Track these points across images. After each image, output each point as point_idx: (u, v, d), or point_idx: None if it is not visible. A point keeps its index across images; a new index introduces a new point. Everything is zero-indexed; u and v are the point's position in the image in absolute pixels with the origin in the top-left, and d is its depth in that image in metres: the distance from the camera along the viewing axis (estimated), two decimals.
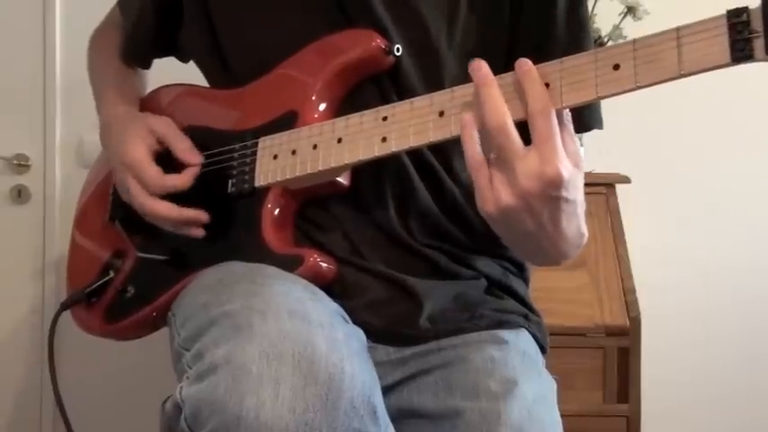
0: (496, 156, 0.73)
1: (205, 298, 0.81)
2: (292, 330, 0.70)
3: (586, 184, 1.66)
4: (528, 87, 0.73)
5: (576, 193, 0.75)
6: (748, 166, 2.04)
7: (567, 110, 0.75)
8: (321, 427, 0.66)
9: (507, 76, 0.76)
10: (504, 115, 0.73)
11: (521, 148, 0.72)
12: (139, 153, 0.97)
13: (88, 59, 1.21)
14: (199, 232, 0.96)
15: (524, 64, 0.74)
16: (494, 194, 0.74)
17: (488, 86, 0.74)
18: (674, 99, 1.76)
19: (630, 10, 1.81)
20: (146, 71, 1.19)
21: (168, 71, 1.17)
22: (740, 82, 1.51)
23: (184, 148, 0.98)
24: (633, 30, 1.78)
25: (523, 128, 0.74)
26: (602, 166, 1.82)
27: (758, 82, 1.77)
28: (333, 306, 0.80)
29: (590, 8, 1.83)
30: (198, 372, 0.71)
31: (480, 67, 0.75)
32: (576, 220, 0.77)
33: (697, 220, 2.04)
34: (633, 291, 1.61)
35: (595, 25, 1.83)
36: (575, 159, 0.74)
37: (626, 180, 1.77)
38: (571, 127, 0.76)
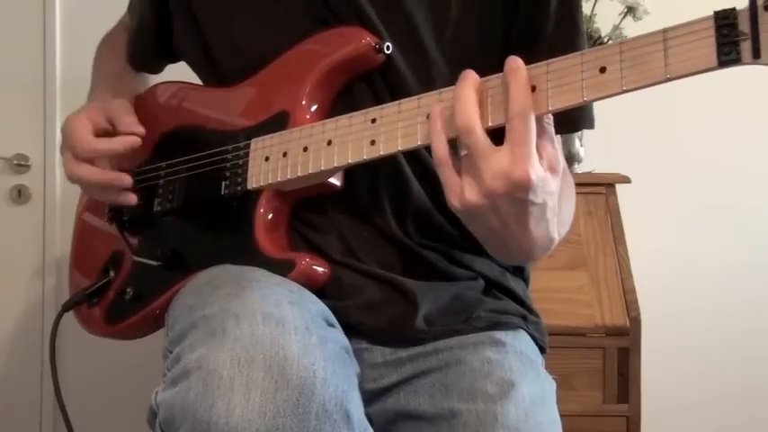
0: (466, 153, 0.74)
1: (193, 300, 0.81)
2: (265, 334, 0.70)
3: (586, 184, 1.70)
4: (511, 87, 0.72)
5: (546, 197, 0.74)
6: (748, 167, 2.03)
7: (550, 114, 0.75)
8: (292, 431, 0.66)
9: (497, 77, 0.75)
10: (471, 115, 0.73)
11: (488, 147, 0.72)
12: (78, 123, 1.00)
13: (94, 60, 1.21)
14: (129, 199, 1.00)
15: (513, 62, 0.74)
16: (460, 189, 0.74)
17: (463, 85, 0.75)
18: (674, 99, 1.76)
19: (630, 10, 1.80)
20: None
21: (168, 69, 1.17)
22: (740, 82, 1.51)
23: (128, 122, 1.01)
24: (633, 30, 1.78)
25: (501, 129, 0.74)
26: (602, 166, 1.82)
27: (759, 82, 1.77)
28: (316, 309, 0.79)
29: (590, 8, 1.83)
30: (172, 376, 0.72)
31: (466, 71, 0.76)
32: (545, 224, 0.77)
33: (697, 221, 2.04)
34: (633, 291, 1.61)
35: (595, 25, 1.83)
36: (550, 164, 0.74)
37: (626, 180, 1.77)
38: (551, 130, 0.76)
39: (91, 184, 1.01)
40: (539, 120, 0.73)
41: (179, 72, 1.12)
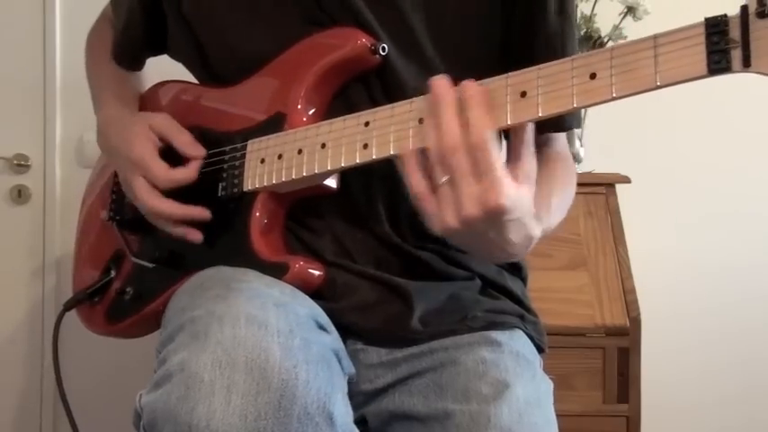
0: (449, 177, 0.73)
1: (185, 302, 0.81)
2: (247, 337, 0.70)
3: (586, 184, 1.70)
4: (470, 115, 0.72)
5: (521, 211, 0.74)
6: (748, 168, 2.03)
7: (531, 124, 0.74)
8: None
9: (489, 81, 0.74)
10: (458, 136, 0.72)
11: (469, 169, 0.72)
12: (146, 149, 0.96)
13: (86, 59, 1.21)
14: (197, 236, 0.95)
15: (469, 88, 0.73)
16: (440, 216, 0.73)
17: (443, 105, 0.74)
18: (674, 99, 1.75)
19: (630, 10, 1.80)
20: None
21: (167, 69, 1.17)
22: (741, 83, 1.51)
23: (186, 142, 0.97)
24: (633, 29, 1.78)
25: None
26: (602, 166, 1.82)
27: (759, 83, 1.77)
28: (305, 311, 0.79)
29: (590, 8, 1.83)
30: (156, 379, 0.72)
31: (438, 84, 0.75)
32: (524, 230, 0.77)
33: (697, 220, 2.04)
34: (633, 291, 1.61)
35: (595, 25, 1.83)
36: (526, 175, 0.74)
37: (626, 180, 1.77)
38: (528, 137, 0.75)
39: (172, 219, 0.95)
40: (518, 129, 0.73)
41: (172, 71, 1.12)
